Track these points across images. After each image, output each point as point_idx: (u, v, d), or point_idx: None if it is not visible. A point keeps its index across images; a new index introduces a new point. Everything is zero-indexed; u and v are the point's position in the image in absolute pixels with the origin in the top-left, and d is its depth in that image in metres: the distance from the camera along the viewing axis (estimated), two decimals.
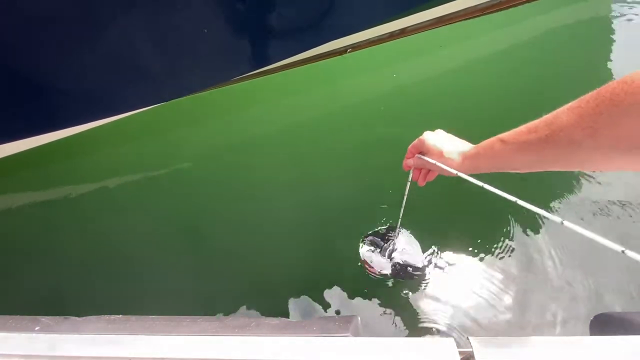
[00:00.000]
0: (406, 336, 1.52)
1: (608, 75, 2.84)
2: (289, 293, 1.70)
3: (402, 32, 2.53)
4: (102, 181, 2.15)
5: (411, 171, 1.15)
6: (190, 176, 2.22)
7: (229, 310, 1.64)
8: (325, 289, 1.69)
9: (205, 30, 1.74)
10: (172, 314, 0.93)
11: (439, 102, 2.67)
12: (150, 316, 0.90)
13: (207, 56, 1.93)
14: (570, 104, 0.64)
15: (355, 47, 2.42)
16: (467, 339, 0.71)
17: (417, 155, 1.07)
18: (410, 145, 1.09)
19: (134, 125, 2.29)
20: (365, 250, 1.69)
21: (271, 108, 2.61)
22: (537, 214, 0.67)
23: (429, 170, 1.10)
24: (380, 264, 1.63)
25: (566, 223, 0.65)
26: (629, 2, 3.56)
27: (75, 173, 2.19)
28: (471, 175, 0.90)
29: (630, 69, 0.53)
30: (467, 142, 0.97)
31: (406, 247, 1.66)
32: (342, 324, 0.86)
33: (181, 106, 2.32)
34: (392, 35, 2.51)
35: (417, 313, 1.60)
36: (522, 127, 0.74)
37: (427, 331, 1.54)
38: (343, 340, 0.73)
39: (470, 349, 0.69)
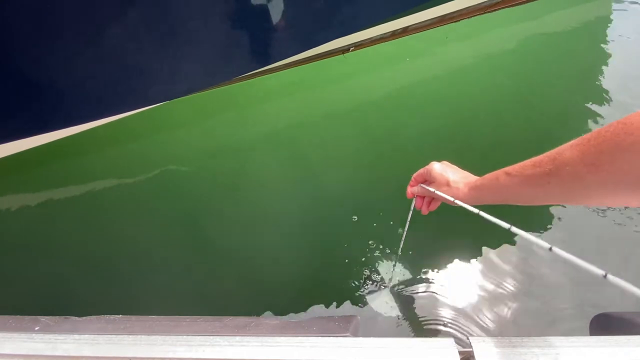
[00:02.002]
0: (406, 336, 1.51)
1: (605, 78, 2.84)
2: (289, 293, 1.70)
3: (405, 31, 2.53)
4: (102, 181, 2.15)
5: (414, 200, 1.18)
6: (190, 176, 2.22)
7: (229, 310, 1.64)
8: (324, 289, 1.69)
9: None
10: (172, 314, 0.93)
11: (441, 101, 2.67)
12: (150, 316, 0.90)
13: (207, 56, 1.93)
14: (572, 141, 0.67)
15: (357, 45, 2.42)
16: (467, 339, 0.71)
17: (420, 184, 1.10)
18: (415, 174, 1.13)
19: (134, 126, 2.29)
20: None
21: (272, 107, 2.61)
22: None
23: (432, 199, 1.13)
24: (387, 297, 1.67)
25: (555, 249, 0.68)
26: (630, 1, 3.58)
27: (74, 173, 2.19)
28: (475, 207, 0.92)
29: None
30: (471, 174, 1.01)
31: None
32: (342, 324, 0.86)
33: (181, 105, 2.32)
34: (394, 34, 2.51)
35: (417, 314, 1.60)
36: (527, 161, 0.77)
37: (427, 331, 1.54)
38: (343, 340, 0.73)
39: (470, 349, 0.69)
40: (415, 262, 1.74)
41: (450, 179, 1.00)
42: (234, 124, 2.52)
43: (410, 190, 1.15)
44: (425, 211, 1.16)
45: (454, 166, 1.06)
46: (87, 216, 2.03)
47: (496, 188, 0.85)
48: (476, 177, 0.97)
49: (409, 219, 1.29)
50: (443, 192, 1.01)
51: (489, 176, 0.89)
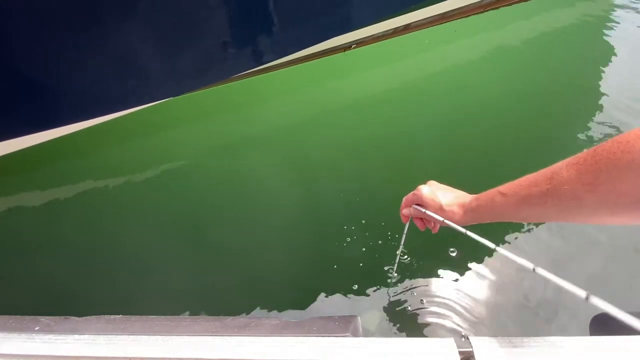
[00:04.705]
0: (406, 336, 1.51)
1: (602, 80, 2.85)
2: (289, 292, 1.70)
3: (406, 28, 2.53)
4: (100, 180, 2.15)
5: (407, 224, 1.16)
6: (189, 174, 2.21)
7: (228, 309, 1.63)
8: (324, 287, 1.69)
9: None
10: (172, 314, 0.93)
11: (441, 99, 2.67)
12: (150, 316, 0.90)
13: (207, 54, 1.93)
14: (567, 160, 0.68)
15: (359, 43, 2.42)
16: (467, 338, 0.71)
17: (413, 205, 1.07)
18: (405, 198, 1.10)
19: (131, 124, 2.28)
20: None
21: (272, 106, 2.61)
22: None
23: (432, 223, 1.09)
24: None
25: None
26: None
27: (73, 172, 2.18)
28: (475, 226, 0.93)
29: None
30: (462, 192, 0.99)
31: None
32: (342, 324, 0.86)
33: (179, 104, 2.32)
34: (396, 32, 2.51)
35: (418, 313, 1.59)
36: (522, 180, 0.77)
37: (427, 331, 1.54)
38: (343, 340, 0.73)
39: (470, 349, 0.69)
40: (412, 270, 1.73)
41: (443, 202, 0.98)
42: (232, 122, 2.51)
43: (403, 212, 1.12)
44: (422, 227, 1.13)
45: (442, 186, 1.04)
46: (86, 215, 2.03)
47: (492, 209, 0.85)
48: (468, 196, 0.96)
49: (402, 241, 1.27)
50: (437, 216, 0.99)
51: (483, 197, 0.88)
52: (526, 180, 0.76)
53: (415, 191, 1.05)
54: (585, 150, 0.64)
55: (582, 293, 0.61)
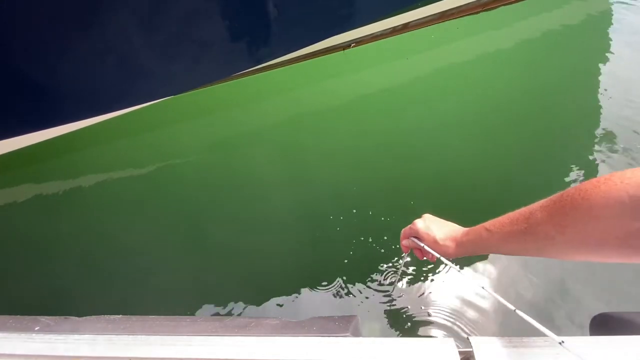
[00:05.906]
0: (406, 336, 1.51)
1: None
2: (288, 291, 1.70)
3: (405, 27, 2.52)
4: (99, 179, 2.14)
5: (407, 253, 1.24)
6: (187, 173, 2.21)
7: (227, 309, 1.63)
8: (323, 287, 1.69)
9: None
10: (172, 313, 0.93)
11: (440, 98, 2.67)
12: (150, 316, 0.90)
13: (207, 53, 1.93)
14: (542, 201, 0.74)
15: (358, 42, 2.41)
16: (467, 339, 0.71)
17: (411, 238, 1.14)
18: (403, 231, 1.18)
19: (130, 123, 2.27)
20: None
21: (271, 105, 2.60)
22: None
23: (429, 254, 1.17)
24: None
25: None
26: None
27: (73, 171, 2.18)
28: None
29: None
30: (454, 226, 1.05)
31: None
32: (342, 324, 0.86)
33: (180, 103, 2.31)
34: (395, 30, 2.51)
35: (417, 313, 1.60)
36: (505, 218, 0.83)
37: (427, 331, 1.54)
38: (343, 340, 0.73)
39: (470, 349, 0.69)
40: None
41: (437, 237, 1.04)
42: (232, 120, 2.51)
43: (404, 243, 1.19)
44: (421, 257, 1.20)
45: (436, 219, 1.10)
46: (85, 214, 2.03)
47: (479, 243, 0.91)
48: (459, 230, 1.02)
49: (401, 267, 1.42)
50: (432, 250, 1.06)
51: (472, 232, 0.95)
52: (508, 219, 0.81)
53: (411, 225, 1.12)
54: (555, 194, 0.71)
55: (557, 338, 0.65)
